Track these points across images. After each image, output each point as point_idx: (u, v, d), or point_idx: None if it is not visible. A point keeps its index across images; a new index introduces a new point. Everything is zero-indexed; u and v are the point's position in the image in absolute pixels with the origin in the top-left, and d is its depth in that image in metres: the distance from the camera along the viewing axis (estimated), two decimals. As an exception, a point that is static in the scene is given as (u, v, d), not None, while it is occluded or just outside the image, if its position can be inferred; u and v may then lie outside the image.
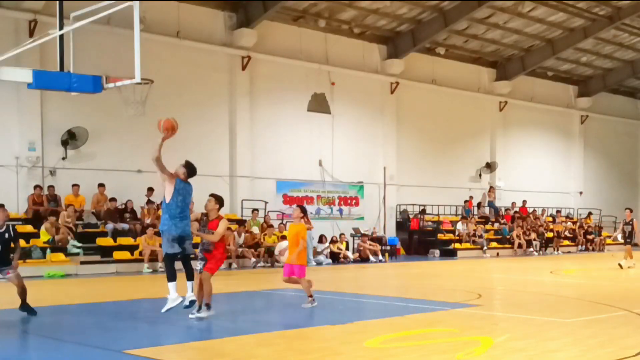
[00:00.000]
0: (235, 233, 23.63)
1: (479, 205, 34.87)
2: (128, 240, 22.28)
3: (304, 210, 13.01)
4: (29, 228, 20.91)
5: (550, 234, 34.55)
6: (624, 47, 36.34)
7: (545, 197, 38.00)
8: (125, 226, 22.78)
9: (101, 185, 22.84)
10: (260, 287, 17.43)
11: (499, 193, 36.15)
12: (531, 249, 32.66)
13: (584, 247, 35.89)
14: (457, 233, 31.42)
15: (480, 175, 35.59)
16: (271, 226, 25.24)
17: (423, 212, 31.67)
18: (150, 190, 23.64)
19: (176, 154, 24.52)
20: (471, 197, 34.23)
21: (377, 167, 31.15)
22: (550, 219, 36.54)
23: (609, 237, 38.54)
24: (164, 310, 10.84)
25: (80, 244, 21.13)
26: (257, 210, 25.64)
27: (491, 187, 35.54)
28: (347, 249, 27.24)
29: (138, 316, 10.90)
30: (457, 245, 30.74)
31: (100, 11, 11.17)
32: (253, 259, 23.63)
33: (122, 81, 11.38)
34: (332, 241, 26.70)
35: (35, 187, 21.65)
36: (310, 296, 12.66)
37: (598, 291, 16.43)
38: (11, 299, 14.88)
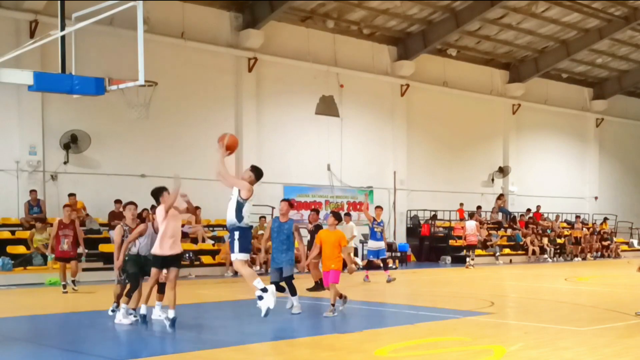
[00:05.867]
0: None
1: (493, 210, 34.30)
2: (131, 247, 21.75)
3: (338, 217, 13.13)
4: (28, 234, 20.47)
5: (561, 240, 33.82)
6: (641, 48, 35.78)
7: (559, 203, 37.47)
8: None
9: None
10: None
11: (512, 198, 35.61)
12: (545, 256, 32.07)
13: (599, 253, 35.17)
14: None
15: (492, 179, 35.12)
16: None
17: (434, 217, 31.14)
18: None
19: (180, 158, 24.61)
20: (498, 203, 33.59)
21: (387, 172, 30.70)
22: (565, 224, 35.86)
23: (626, 243, 38.06)
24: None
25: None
26: (264, 217, 25.19)
27: (501, 194, 34.89)
28: (355, 255, 26.65)
29: (140, 325, 10.70)
30: (469, 251, 30.14)
31: (103, 11, 11.00)
32: (256, 267, 23.11)
33: (125, 83, 11.24)
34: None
35: (31, 191, 21.26)
36: (334, 304, 12.61)
37: (614, 298, 16.24)
38: (9, 307, 14.55)
